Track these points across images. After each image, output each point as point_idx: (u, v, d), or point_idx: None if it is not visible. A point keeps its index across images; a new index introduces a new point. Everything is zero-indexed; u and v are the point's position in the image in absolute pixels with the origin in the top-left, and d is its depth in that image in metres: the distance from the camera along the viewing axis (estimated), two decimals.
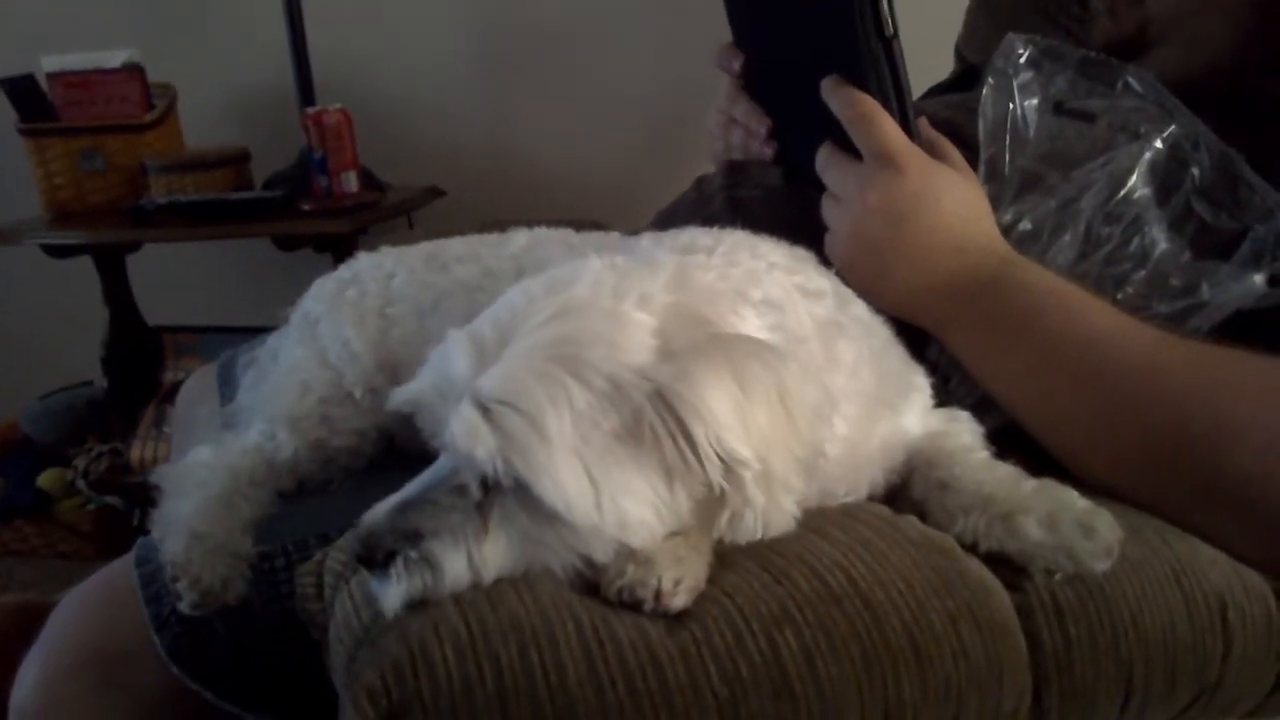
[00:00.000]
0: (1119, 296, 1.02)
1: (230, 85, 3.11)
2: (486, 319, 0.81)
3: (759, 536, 0.79)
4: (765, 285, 0.87)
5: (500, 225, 1.21)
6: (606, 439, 0.75)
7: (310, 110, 2.68)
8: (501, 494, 0.76)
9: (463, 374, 0.77)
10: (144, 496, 2.48)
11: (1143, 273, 1.02)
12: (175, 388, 2.77)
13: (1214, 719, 0.94)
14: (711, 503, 0.78)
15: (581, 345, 0.76)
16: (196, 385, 1.57)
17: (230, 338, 1.62)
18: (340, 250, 2.57)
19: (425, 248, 1.21)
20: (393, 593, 0.76)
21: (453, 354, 0.79)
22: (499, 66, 3.01)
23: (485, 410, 0.74)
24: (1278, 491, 0.89)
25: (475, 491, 0.77)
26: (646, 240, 0.94)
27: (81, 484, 2.68)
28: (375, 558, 0.76)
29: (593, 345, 0.76)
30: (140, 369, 2.98)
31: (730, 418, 0.75)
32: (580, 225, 1.30)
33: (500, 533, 0.77)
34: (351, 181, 2.67)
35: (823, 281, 0.93)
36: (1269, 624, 0.90)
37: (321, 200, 2.66)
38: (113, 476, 2.68)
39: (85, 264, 2.88)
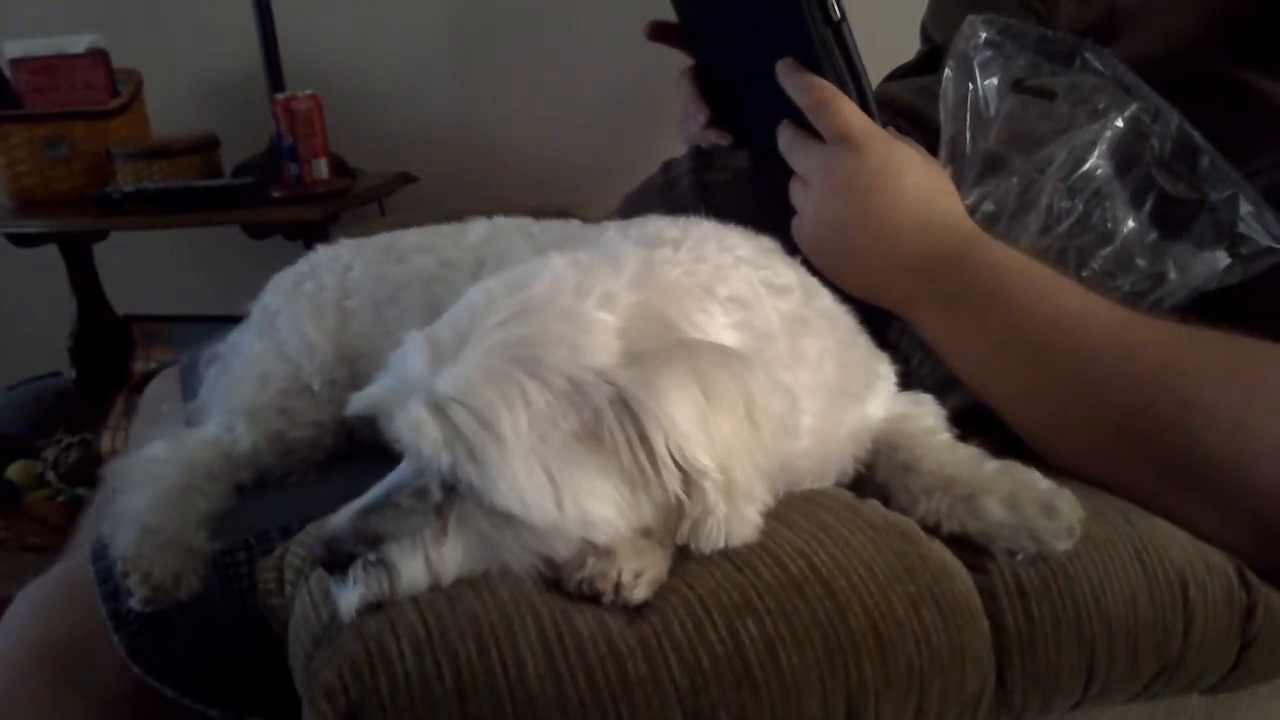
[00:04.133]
0: (1083, 274, 1.02)
1: (197, 71, 3.07)
2: (446, 320, 0.80)
3: (722, 545, 0.78)
4: (732, 281, 0.86)
5: (459, 215, 1.20)
6: (566, 439, 0.75)
7: (280, 96, 2.64)
8: (461, 496, 0.76)
9: (419, 374, 0.77)
10: None
11: (1108, 249, 1.02)
12: (145, 378, 2.74)
13: (1176, 695, 0.95)
14: (673, 508, 0.77)
15: (540, 346, 0.75)
16: (161, 384, 1.56)
17: (201, 327, 1.61)
18: (312, 238, 2.54)
19: (382, 239, 1.21)
20: (350, 596, 0.75)
21: (410, 355, 0.78)
22: (470, 52, 2.98)
23: (436, 408, 0.73)
24: (1244, 473, 0.89)
25: (436, 494, 0.77)
26: (611, 232, 0.93)
27: (51, 475, 2.64)
28: (336, 561, 0.76)
29: (552, 346, 0.75)
30: (109, 359, 2.94)
31: (693, 426, 0.74)
32: (549, 212, 1.30)
33: (459, 535, 0.77)
34: (322, 168, 2.64)
35: (789, 275, 0.93)
36: (1230, 600, 0.90)
37: (292, 187, 2.63)
38: (83, 468, 2.64)
39: (51, 253, 2.85)
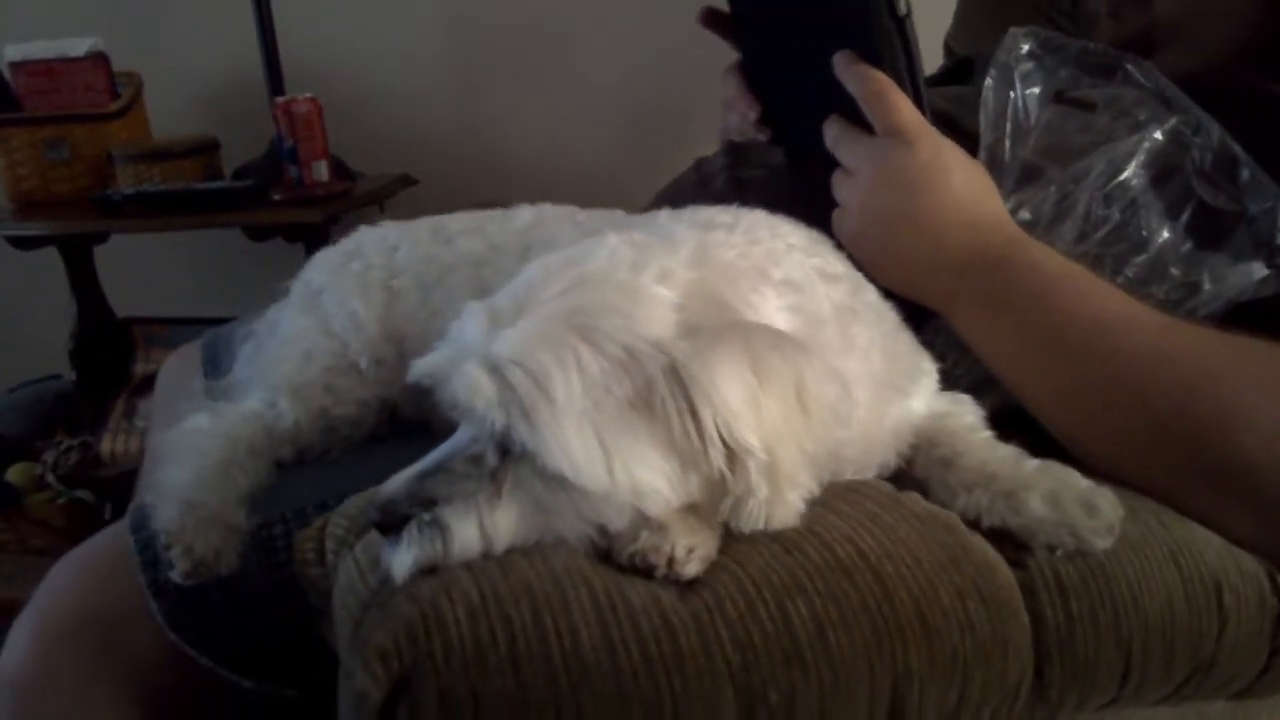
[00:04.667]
0: (1117, 281, 1.03)
1: (198, 74, 3.07)
2: (504, 292, 0.81)
3: (761, 526, 0.78)
4: (785, 266, 0.87)
5: (503, 203, 1.20)
6: (619, 405, 0.75)
7: (280, 99, 2.65)
8: (516, 461, 0.76)
9: (476, 340, 0.77)
10: (115, 490, 2.44)
11: (1142, 257, 1.03)
12: (146, 380, 2.73)
13: (1206, 698, 0.95)
14: (719, 485, 0.77)
15: (596, 315, 0.76)
16: (178, 364, 1.55)
17: (201, 329, 1.61)
18: (312, 240, 2.54)
19: (428, 221, 1.21)
20: (403, 557, 0.75)
21: (468, 324, 0.79)
22: (470, 54, 3.00)
23: (492, 368, 0.74)
24: None
25: (491, 459, 0.77)
26: (664, 216, 0.94)
27: (51, 478, 2.63)
28: (390, 523, 0.76)
29: (608, 315, 0.76)
30: (110, 361, 2.93)
31: (741, 405, 0.75)
32: None
33: (513, 500, 0.77)
34: (322, 171, 2.65)
35: (839, 265, 0.94)
36: (1261, 605, 0.91)
37: (292, 190, 2.64)
38: (83, 470, 2.64)
39: (52, 255, 2.84)
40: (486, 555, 0.77)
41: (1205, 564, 0.90)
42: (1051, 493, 0.87)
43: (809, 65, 1.08)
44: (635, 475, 0.75)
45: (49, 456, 2.69)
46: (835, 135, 1.06)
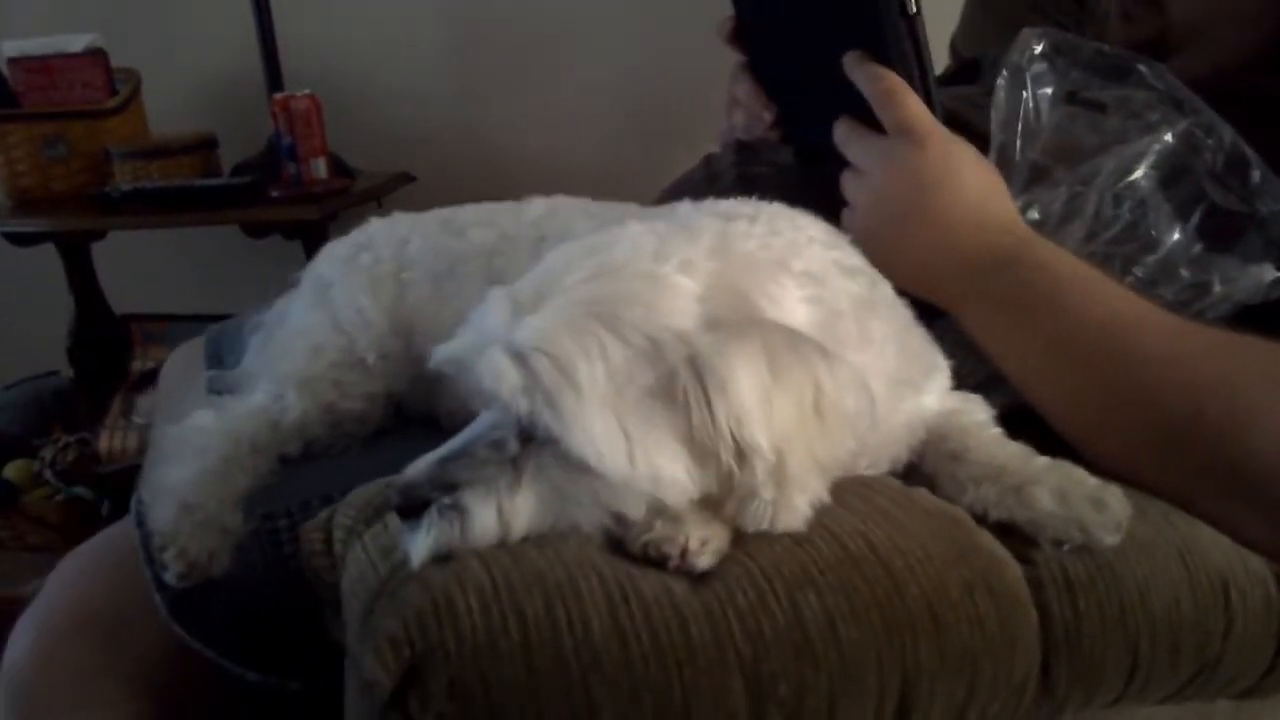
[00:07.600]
0: (1126, 280, 1.03)
1: (196, 70, 3.06)
2: (525, 280, 0.81)
3: (765, 528, 0.78)
4: (805, 257, 0.86)
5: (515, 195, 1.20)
6: (641, 394, 0.75)
7: (278, 96, 2.65)
8: (537, 448, 0.76)
9: (499, 326, 0.77)
10: (113, 487, 2.44)
11: (1152, 258, 1.03)
12: (144, 377, 2.74)
13: (1211, 697, 0.95)
14: (728, 480, 0.77)
15: (620, 304, 0.76)
16: (182, 359, 1.55)
17: (199, 326, 1.61)
18: (310, 237, 2.55)
19: (440, 213, 1.21)
20: (421, 542, 0.75)
21: (491, 310, 0.79)
22: (470, 51, 2.99)
23: (517, 355, 0.74)
24: None
25: (513, 445, 0.77)
26: (685, 207, 0.93)
27: (49, 475, 2.64)
28: (411, 507, 0.76)
29: (631, 304, 0.76)
30: (108, 358, 2.93)
31: (754, 403, 0.75)
32: None
33: (532, 486, 0.77)
34: (321, 168, 2.64)
35: (857, 259, 0.93)
36: (1268, 605, 0.91)
37: (290, 187, 2.63)
38: (81, 467, 2.65)
39: (50, 252, 2.83)
40: (502, 542, 0.77)
41: (1212, 563, 0.90)
42: (1060, 488, 0.87)
43: (818, 66, 1.07)
44: (655, 464, 0.75)
45: (47, 453, 2.69)
46: (845, 134, 1.06)
